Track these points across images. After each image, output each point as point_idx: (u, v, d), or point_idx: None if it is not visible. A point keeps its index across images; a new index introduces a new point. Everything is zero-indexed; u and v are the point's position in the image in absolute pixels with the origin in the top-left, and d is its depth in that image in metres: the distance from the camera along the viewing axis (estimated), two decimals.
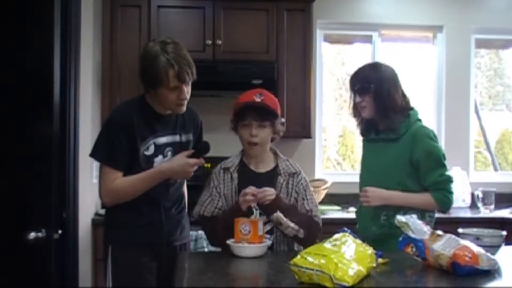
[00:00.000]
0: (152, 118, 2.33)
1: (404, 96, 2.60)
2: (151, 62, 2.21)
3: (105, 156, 2.30)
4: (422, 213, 2.48)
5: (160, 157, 2.33)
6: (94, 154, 2.34)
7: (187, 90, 2.28)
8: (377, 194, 2.48)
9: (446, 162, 2.52)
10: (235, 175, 2.38)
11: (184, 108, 2.33)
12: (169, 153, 2.35)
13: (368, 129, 2.66)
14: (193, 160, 2.28)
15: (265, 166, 2.41)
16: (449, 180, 2.49)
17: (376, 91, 2.52)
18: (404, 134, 2.51)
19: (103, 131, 2.36)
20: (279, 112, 2.37)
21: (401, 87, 2.60)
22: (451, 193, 2.49)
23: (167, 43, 2.24)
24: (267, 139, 2.36)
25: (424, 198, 2.48)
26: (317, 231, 2.34)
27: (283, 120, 2.43)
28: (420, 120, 2.59)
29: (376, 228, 2.51)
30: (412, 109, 2.60)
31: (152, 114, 2.34)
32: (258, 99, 2.31)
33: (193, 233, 3.31)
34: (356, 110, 2.65)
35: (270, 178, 2.36)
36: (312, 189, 2.45)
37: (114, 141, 2.27)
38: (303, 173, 2.41)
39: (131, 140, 2.27)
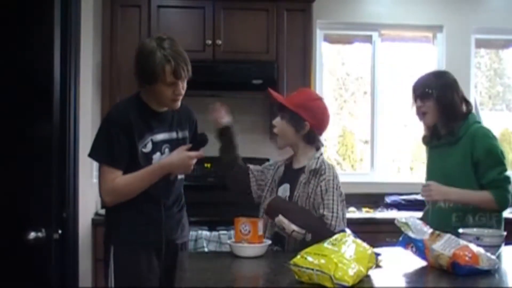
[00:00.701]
0: (149, 116, 2.34)
1: (466, 101, 2.70)
2: (147, 58, 2.23)
3: (104, 156, 2.31)
4: (490, 215, 2.55)
5: (158, 154, 2.34)
6: (92, 154, 2.35)
7: (183, 86, 2.29)
8: (439, 189, 2.54)
9: (505, 161, 2.58)
10: (282, 168, 2.48)
11: (179, 104, 2.34)
12: (167, 150, 2.36)
13: (431, 137, 2.75)
14: (193, 153, 2.29)
15: (300, 163, 2.41)
16: (508, 179, 2.56)
17: (438, 98, 2.62)
18: (463, 136, 2.59)
19: (101, 131, 2.36)
20: (295, 108, 2.35)
21: (463, 93, 2.70)
22: (509, 192, 2.55)
23: (163, 39, 2.26)
24: (285, 132, 2.39)
25: (482, 195, 2.54)
26: (327, 237, 2.09)
27: (306, 122, 2.36)
28: (479, 122, 2.68)
29: (449, 230, 2.48)
30: (470, 112, 2.69)
31: (148, 111, 2.35)
32: (291, 94, 2.47)
33: (193, 233, 3.31)
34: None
35: (296, 176, 2.37)
36: (335, 193, 2.29)
37: (112, 140, 2.28)
38: (330, 174, 2.30)
39: (129, 138, 2.28)
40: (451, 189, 2.55)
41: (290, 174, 2.42)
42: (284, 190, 2.39)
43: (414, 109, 2.73)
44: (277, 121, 2.42)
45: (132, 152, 2.29)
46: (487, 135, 2.60)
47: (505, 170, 2.56)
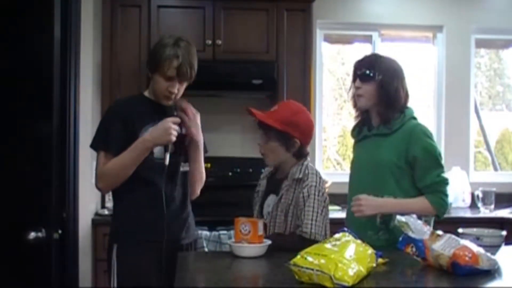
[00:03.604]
0: (151, 108, 2.38)
1: (407, 95, 2.50)
2: (161, 46, 2.34)
3: (98, 143, 2.37)
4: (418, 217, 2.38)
5: None
6: (91, 144, 2.41)
7: (179, 87, 2.36)
8: (371, 202, 2.31)
9: (443, 162, 2.41)
10: (264, 181, 2.45)
11: (170, 102, 2.39)
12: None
13: (361, 129, 2.55)
14: (170, 118, 2.31)
15: (283, 173, 2.37)
16: (446, 182, 2.37)
17: (381, 83, 2.40)
18: (398, 130, 2.40)
19: (99, 122, 2.45)
20: (283, 127, 2.27)
21: (406, 86, 2.50)
22: (447, 195, 2.36)
23: (182, 40, 2.37)
24: (275, 152, 2.32)
25: (420, 204, 2.34)
26: (304, 246, 1.91)
27: (295, 140, 2.31)
28: (415, 118, 2.47)
29: (373, 232, 2.37)
30: (407, 107, 2.48)
31: (150, 104, 2.40)
32: (272, 110, 2.34)
33: None
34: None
35: (279, 183, 2.34)
36: (316, 200, 2.23)
37: (107, 127, 2.36)
38: (312, 181, 2.25)
39: (128, 125, 2.33)
40: (384, 200, 2.33)
41: (275, 184, 2.39)
42: (273, 201, 2.36)
43: (351, 91, 2.51)
44: (263, 141, 2.33)
45: (132, 140, 2.31)
46: (425, 134, 2.39)
47: (443, 172, 2.37)
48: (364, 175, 2.47)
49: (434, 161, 2.37)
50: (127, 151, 2.29)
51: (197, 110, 2.58)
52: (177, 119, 2.33)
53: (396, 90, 2.41)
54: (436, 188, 2.35)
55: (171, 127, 2.27)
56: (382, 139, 2.43)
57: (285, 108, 2.36)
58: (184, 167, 2.46)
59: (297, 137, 2.30)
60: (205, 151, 2.55)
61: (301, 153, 2.34)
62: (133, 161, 2.29)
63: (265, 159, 2.37)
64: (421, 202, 2.34)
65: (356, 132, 2.59)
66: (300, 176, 2.27)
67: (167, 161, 2.33)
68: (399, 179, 2.37)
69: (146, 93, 2.46)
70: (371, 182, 2.41)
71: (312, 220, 2.21)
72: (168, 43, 2.33)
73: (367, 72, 2.42)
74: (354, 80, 2.47)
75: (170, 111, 2.39)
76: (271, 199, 2.38)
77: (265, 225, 2.20)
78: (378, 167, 2.40)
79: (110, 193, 2.52)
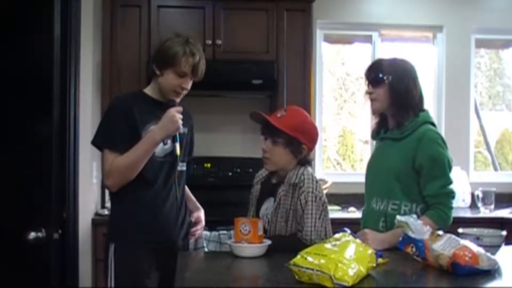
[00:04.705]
0: (152, 106, 2.38)
1: (421, 95, 2.47)
2: (174, 44, 2.35)
3: (103, 140, 2.37)
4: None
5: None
6: (93, 140, 2.40)
7: (189, 85, 2.39)
8: (376, 237, 2.26)
9: (451, 174, 2.33)
10: (258, 186, 2.42)
11: (178, 99, 2.40)
12: (169, 140, 2.39)
13: (378, 131, 2.55)
14: (173, 108, 2.34)
15: (280, 177, 2.34)
16: (451, 194, 2.31)
17: (392, 84, 2.38)
18: (410, 135, 2.36)
19: (102, 119, 2.47)
20: (293, 133, 2.26)
21: (421, 87, 2.46)
22: (450, 208, 2.30)
23: (191, 39, 2.41)
24: (282, 158, 2.28)
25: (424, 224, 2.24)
26: (304, 247, 1.87)
27: (304, 146, 2.30)
28: (430, 123, 2.42)
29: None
30: (423, 110, 2.44)
31: (152, 102, 2.41)
32: (278, 115, 2.30)
33: None
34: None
35: (275, 188, 2.32)
36: (314, 205, 2.21)
37: (111, 124, 2.36)
38: (308, 187, 2.22)
39: (131, 122, 2.33)
40: (388, 234, 2.27)
41: (270, 188, 2.36)
42: (271, 205, 2.32)
43: (366, 97, 2.49)
44: (269, 146, 2.29)
45: (135, 138, 2.31)
46: (434, 141, 2.32)
47: (449, 183, 2.31)
48: (375, 178, 2.47)
49: (439, 170, 2.31)
50: (136, 147, 2.30)
51: (198, 110, 2.59)
52: (180, 108, 2.35)
53: (407, 88, 2.39)
54: (438, 201, 2.30)
55: (175, 115, 2.31)
56: (393, 144, 2.41)
57: (295, 114, 2.33)
58: (181, 166, 2.47)
59: (305, 144, 2.30)
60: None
61: (306, 160, 2.33)
62: (143, 155, 2.30)
63: (266, 163, 2.33)
64: (424, 222, 2.11)
65: (374, 133, 2.58)
66: (296, 181, 2.25)
67: (177, 151, 2.38)
68: (406, 186, 2.33)
69: (146, 91, 2.45)
70: (380, 187, 2.41)
71: (311, 226, 2.20)
72: (179, 41, 2.35)
73: (376, 76, 2.41)
74: (367, 86, 2.46)
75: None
76: (269, 202, 2.35)
77: (264, 229, 2.19)
78: (386, 173, 2.38)
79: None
